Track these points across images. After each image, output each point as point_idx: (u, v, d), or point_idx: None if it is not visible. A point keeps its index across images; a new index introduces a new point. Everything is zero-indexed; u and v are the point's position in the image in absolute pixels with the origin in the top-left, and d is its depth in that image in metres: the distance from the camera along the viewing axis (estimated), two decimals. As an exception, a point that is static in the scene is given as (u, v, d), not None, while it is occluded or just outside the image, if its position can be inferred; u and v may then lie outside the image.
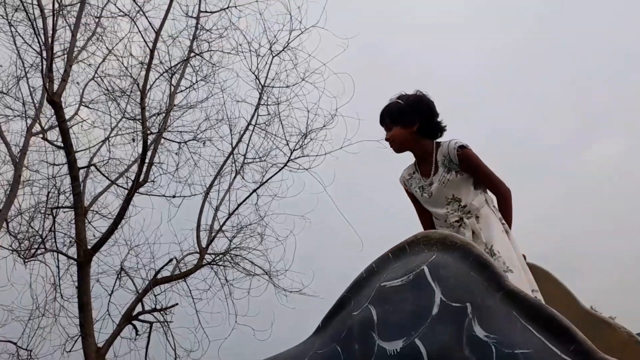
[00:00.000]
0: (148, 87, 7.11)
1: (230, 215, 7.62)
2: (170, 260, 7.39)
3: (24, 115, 7.59)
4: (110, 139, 7.85)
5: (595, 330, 2.05)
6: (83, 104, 7.98)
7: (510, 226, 2.44)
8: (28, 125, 7.48)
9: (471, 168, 2.45)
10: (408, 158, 2.66)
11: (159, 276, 7.28)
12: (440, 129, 2.56)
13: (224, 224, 7.64)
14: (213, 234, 7.57)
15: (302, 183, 7.23)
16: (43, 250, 6.86)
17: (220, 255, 7.60)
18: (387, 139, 2.59)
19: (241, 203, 7.62)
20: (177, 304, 7.25)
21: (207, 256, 7.53)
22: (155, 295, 7.19)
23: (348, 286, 2.08)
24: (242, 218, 7.80)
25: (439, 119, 2.57)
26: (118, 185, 7.53)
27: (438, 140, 2.56)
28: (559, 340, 1.52)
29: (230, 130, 7.82)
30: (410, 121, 2.51)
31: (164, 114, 7.63)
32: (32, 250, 6.75)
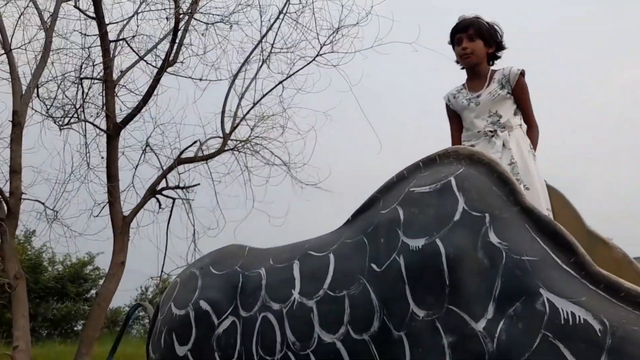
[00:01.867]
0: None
1: (254, 104, 7.74)
2: (195, 142, 7.66)
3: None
4: (140, 13, 7.79)
5: (594, 247, 2.30)
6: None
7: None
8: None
9: (521, 94, 2.73)
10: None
11: (183, 156, 7.59)
12: (497, 59, 2.86)
13: (247, 112, 7.79)
14: (237, 121, 7.76)
15: (328, 79, 7.27)
16: (77, 119, 7.11)
17: (242, 143, 7.85)
18: (465, 48, 2.76)
19: (266, 94, 7.71)
20: (199, 183, 7.62)
21: (229, 142, 7.78)
22: (179, 174, 7.55)
23: (379, 187, 2.31)
24: (265, 108, 7.94)
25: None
26: (147, 62, 7.61)
27: (492, 67, 2.84)
28: (562, 252, 1.77)
29: (261, 16, 7.72)
30: (492, 42, 2.80)
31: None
32: (67, 119, 7.00)
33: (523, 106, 2.75)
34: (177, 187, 7.56)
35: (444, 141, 2.88)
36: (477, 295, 1.83)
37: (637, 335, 1.55)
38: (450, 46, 2.90)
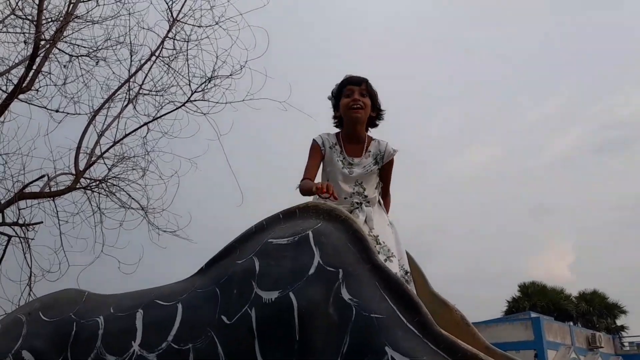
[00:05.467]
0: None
1: (115, 142, 7.34)
2: (42, 176, 7.02)
3: None
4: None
5: (437, 309, 2.41)
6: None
7: None
8: None
9: (389, 170, 2.83)
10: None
11: (27, 190, 6.91)
12: (374, 127, 2.88)
13: (107, 150, 7.35)
14: (93, 159, 7.28)
15: (196, 126, 7.15)
16: None
17: (97, 182, 7.35)
18: (357, 100, 2.72)
19: (129, 133, 7.36)
20: (42, 222, 6.94)
21: (82, 180, 7.25)
22: (19, 209, 6.83)
23: (236, 237, 2.25)
24: (127, 149, 7.56)
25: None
26: (-4, 86, 6.95)
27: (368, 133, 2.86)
28: (407, 311, 1.83)
29: (131, 55, 7.47)
30: (375, 104, 2.81)
31: (61, 21, 7.11)
32: None
33: (387, 180, 2.85)
34: (16, 223, 6.82)
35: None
36: (325, 351, 1.81)
37: (470, 395, 1.61)
38: (331, 99, 2.88)
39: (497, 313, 32.96)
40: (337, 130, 2.89)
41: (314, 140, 2.81)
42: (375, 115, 2.83)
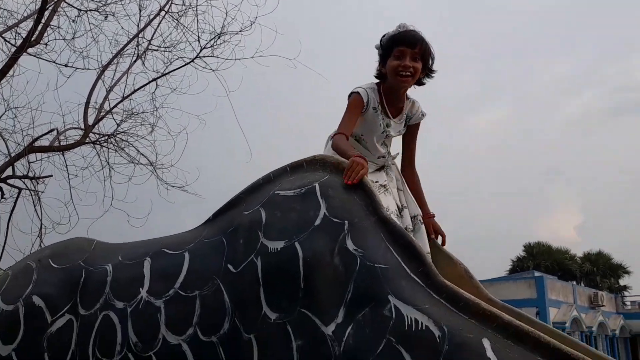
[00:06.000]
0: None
1: (124, 98, 7.36)
2: (52, 130, 7.08)
3: None
4: (1, -16, 7.06)
5: (441, 262, 2.44)
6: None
7: None
8: None
9: (413, 135, 2.70)
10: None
11: (36, 144, 6.96)
12: (421, 85, 2.62)
13: (115, 105, 7.39)
14: (102, 114, 7.30)
15: (205, 83, 7.12)
16: None
17: (106, 137, 7.39)
18: (408, 67, 2.43)
19: (138, 89, 7.38)
20: (51, 175, 7.02)
21: (91, 135, 7.28)
22: (29, 163, 6.89)
23: (244, 188, 2.27)
24: (135, 104, 7.58)
25: None
26: (5, 40, 6.90)
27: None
28: (411, 262, 1.85)
29: (140, 10, 7.38)
30: (428, 68, 2.52)
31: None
32: None
33: (411, 145, 2.70)
34: (26, 176, 6.90)
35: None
36: (329, 299, 1.84)
37: (471, 342, 1.64)
38: (379, 50, 2.55)
39: (502, 273, 33.34)
40: (377, 81, 2.61)
41: (358, 94, 2.51)
42: (424, 74, 2.55)
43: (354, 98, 2.52)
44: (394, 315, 1.75)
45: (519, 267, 34.14)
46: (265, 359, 1.87)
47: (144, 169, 7.41)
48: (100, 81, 7.35)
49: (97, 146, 7.34)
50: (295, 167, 2.19)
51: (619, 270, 35.06)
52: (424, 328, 1.70)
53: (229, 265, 2.06)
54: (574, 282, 29.86)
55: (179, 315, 2.08)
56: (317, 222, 1.96)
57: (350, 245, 1.90)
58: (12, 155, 6.82)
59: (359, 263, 1.86)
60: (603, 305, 25.57)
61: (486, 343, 1.63)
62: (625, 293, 32.79)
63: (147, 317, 2.13)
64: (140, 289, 2.19)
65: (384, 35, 2.53)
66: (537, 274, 25.23)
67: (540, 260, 34.11)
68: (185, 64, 7.27)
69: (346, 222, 1.95)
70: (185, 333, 2.05)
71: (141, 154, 7.45)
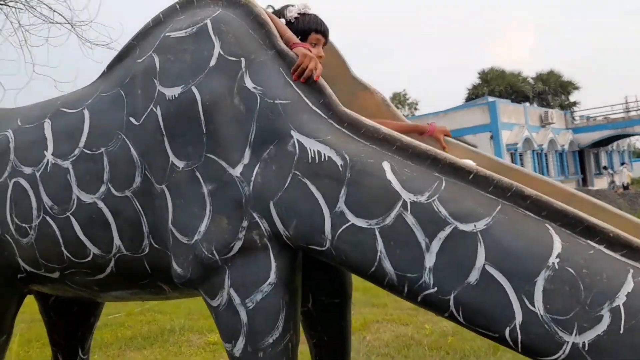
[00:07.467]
0: None
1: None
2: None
3: None
4: None
5: (358, 92, 2.39)
6: None
7: None
8: None
9: None
10: None
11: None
12: None
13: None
14: (5, -30, 6.56)
15: None
16: None
17: (14, -4, 6.73)
18: (322, 57, 2.18)
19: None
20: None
21: (-2, -5, 6.61)
22: None
23: (135, 34, 2.10)
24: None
25: None
26: None
27: None
28: (312, 94, 1.79)
29: None
30: None
31: None
32: None
33: None
34: None
35: None
36: (233, 141, 1.80)
37: (372, 167, 1.65)
38: (287, 24, 2.14)
39: (459, 102, 33.99)
40: None
41: None
42: None
43: None
44: (297, 150, 1.73)
45: (474, 95, 34.77)
46: (179, 207, 1.87)
47: (62, 29, 6.88)
48: None
49: (5, 7, 6.71)
50: (185, 4, 2.02)
51: (569, 87, 36.14)
52: (326, 159, 1.70)
53: (131, 118, 1.98)
54: (527, 104, 30.80)
55: (89, 174, 2.04)
56: (212, 62, 1.85)
57: (249, 83, 1.82)
58: None
59: (259, 101, 1.80)
60: (553, 123, 26.69)
61: (386, 166, 1.64)
62: (575, 109, 34.16)
63: (58, 180, 2.08)
64: (45, 152, 2.11)
65: (288, 7, 2.19)
66: (490, 99, 25.83)
67: (494, 85, 34.72)
68: None
69: (243, 59, 1.85)
70: (99, 191, 2.02)
71: (55, 11, 6.86)
